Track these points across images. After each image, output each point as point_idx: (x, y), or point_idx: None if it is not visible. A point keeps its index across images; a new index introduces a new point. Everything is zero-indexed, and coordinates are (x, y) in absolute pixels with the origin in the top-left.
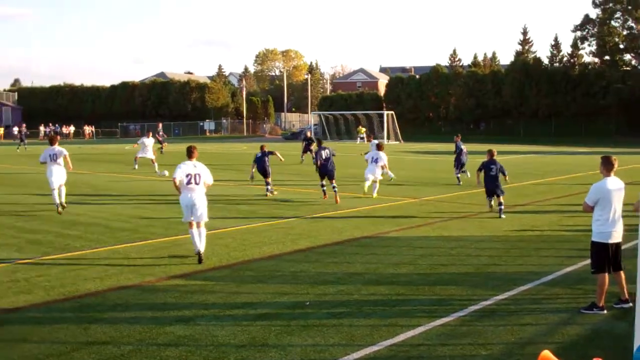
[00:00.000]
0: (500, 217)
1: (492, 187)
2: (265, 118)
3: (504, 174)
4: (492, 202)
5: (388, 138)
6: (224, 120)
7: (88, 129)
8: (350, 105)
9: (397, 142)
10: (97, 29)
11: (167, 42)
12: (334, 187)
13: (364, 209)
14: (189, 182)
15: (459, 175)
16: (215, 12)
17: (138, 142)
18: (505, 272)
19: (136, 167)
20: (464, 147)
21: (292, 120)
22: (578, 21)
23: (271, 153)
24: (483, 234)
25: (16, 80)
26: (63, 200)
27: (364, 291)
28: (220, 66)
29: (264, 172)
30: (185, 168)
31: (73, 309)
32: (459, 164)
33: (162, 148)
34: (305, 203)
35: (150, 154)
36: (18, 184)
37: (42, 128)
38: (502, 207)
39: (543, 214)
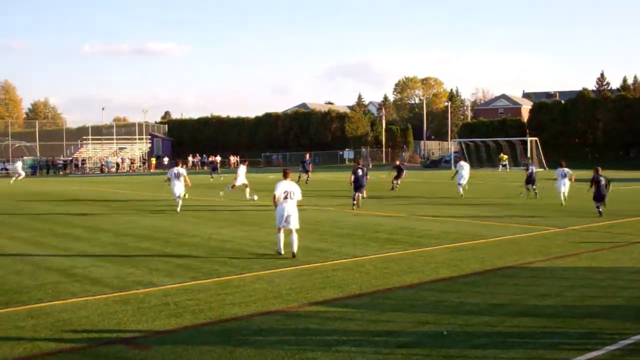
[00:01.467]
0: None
1: (601, 195)
2: (405, 146)
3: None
4: (601, 208)
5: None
6: (363, 149)
7: (233, 159)
8: (491, 132)
9: (542, 169)
10: (241, 62)
11: (308, 73)
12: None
13: (507, 238)
14: (285, 197)
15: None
16: (354, 42)
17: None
18: None
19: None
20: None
21: (432, 148)
22: None
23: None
24: (635, 265)
25: (166, 113)
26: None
27: (507, 323)
28: (359, 95)
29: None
30: (283, 186)
31: (219, 333)
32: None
33: (308, 178)
34: (446, 232)
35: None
36: (161, 210)
37: (190, 158)
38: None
39: None
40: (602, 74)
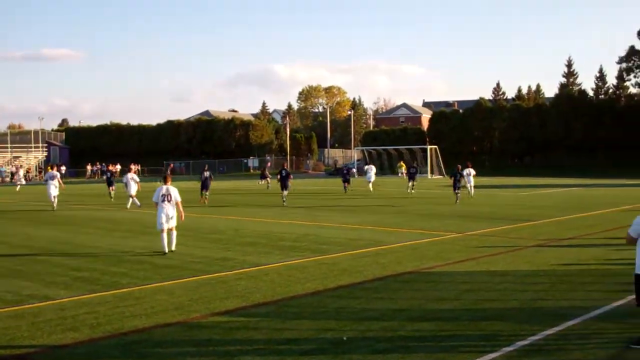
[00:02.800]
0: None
1: (456, 186)
2: (309, 154)
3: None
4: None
5: (432, 173)
6: (268, 157)
7: (134, 168)
8: (393, 140)
9: (441, 177)
10: (141, 69)
11: (210, 81)
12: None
13: (408, 244)
14: (164, 200)
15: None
16: (257, 50)
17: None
18: (552, 307)
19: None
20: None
21: (336, 156)
22: (623, 53)
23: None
24: (529, 269)
25: (64, 121)
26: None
27: (408, 327)
28: (264, 103)
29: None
30: (161, 190)
31: (119, 346)
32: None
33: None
34: (350, 239)
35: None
36: (65, 222)
37: (88, 167)
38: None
39: (590, 248)
40: (498, 84)
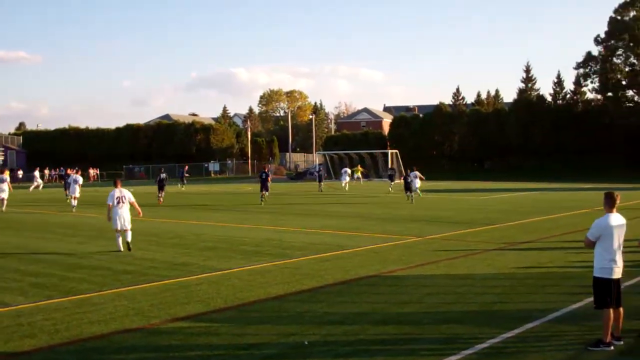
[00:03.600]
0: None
1: (408, 187)
2: (270, 158)
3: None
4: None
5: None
6: (229, 161)
7: (92, 172)
8: (354, 145)
9: (402, 181)
10: (100, 72)
11: (170, 84)
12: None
13: (370, 248)
14: (118, 203)
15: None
16: (217, 53)
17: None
18: (511, 310)
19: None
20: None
21: (297, 160)
22: (580, 58)
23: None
24: (489, 272)
25: (21, 124)
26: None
27: (370, 331)
28: (225, 107)
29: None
30: (115, 193)
31: (77, 352)
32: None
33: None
34: (312, 243)
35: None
36: (21, 227)
37: (46, 171)
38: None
39: (548, 251)
40: (457, 89)
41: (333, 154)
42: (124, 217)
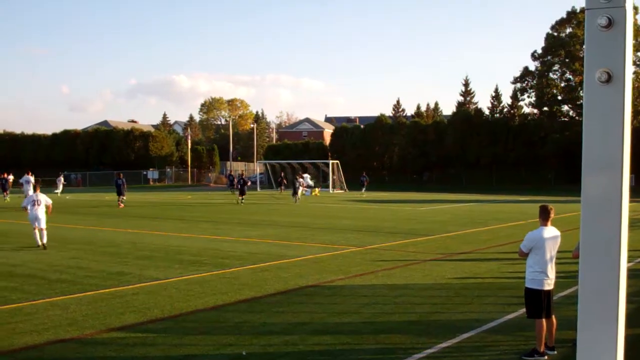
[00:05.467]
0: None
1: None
2: (211, 167)
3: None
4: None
5: (334, 187)
6: (168, 169)
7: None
8: (296, 154)
9: (342, 191)
10: (37, 76)
11: (110, 91)
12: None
13: (309, 258)
14: (33, 205)
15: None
16: (157, 60)
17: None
18: (448, 320)
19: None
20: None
21: (238, 169)
22: (518, 73)
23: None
24: (426, 282)
25: None
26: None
27: (309, 341)
28: (164, 114)
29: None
30: (32, 197)
31: None
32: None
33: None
34: (251, 253)
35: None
36: None
37: None
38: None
39: (485, 262)
40: (398, 101)
41: (274, 163)
42: (39, 217)
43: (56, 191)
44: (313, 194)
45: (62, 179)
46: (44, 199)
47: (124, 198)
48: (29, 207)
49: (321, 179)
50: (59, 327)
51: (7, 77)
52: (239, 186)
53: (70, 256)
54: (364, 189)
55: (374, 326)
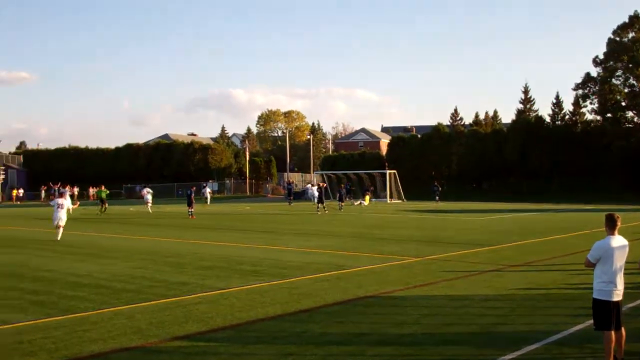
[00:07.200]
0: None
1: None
2: (268, 178)
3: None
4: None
5: (391, 197)
6: (227, 181)
7: (92, 191)
8: (352, 165)
9: (400, 201)
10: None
11: (169, 105)
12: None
13: (368, 268)
14: (58, 208)
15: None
16: (215, 74)
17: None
18: (512, 332)
19: None
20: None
21: (295, 180)
22: (579, 79)
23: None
24: (489, 293)
25: (22, 143)
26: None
27: (369, 352)
28: (223, 127)
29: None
30: (57, 201)
31: None
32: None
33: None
34: (310, 263)
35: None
36: (20, 244)
37: (43, 191)
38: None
39: (549, 272)
40: (455, 110)
41: (331, 174)
42: (61, 218)
43: (206, 201)
44: (356, 203)
45: (208, 189)
46: (67, 203)
47: (193, 210)
48: (55, 208)
49: (376, 189)
50: (123, 336)
51: (71, 93)
52: (319, 195)
53: (135, 266)
54: (437, 197)
55: (435, 337)
